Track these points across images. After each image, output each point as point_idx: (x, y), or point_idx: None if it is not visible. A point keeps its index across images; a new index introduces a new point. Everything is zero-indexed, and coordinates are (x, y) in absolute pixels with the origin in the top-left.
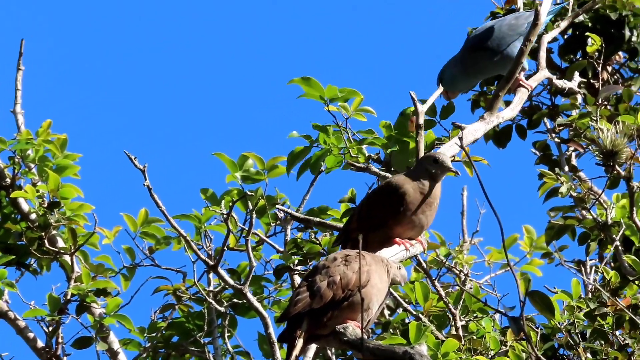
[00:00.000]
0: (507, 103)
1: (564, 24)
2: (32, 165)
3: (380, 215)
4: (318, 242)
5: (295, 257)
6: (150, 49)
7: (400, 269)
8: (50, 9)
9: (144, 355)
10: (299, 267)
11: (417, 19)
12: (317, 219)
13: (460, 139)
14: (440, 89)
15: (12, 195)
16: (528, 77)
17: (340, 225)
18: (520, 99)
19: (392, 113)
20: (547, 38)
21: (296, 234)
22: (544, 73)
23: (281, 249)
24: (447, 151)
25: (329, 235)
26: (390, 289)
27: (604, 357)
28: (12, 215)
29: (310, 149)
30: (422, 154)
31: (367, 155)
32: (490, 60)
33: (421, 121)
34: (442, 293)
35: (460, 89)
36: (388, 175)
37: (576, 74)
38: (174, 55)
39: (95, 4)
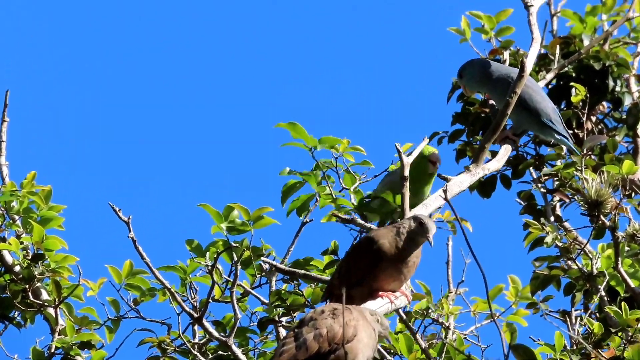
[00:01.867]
0: (493, 153)
1: (549, 76)
2: (17, 217)
3: (359, 269)
4: (302, 293)
5: (279, 309)
6: (132, 100)
7: (378, 320)
8: (35, 58)
9: None
10: (283, 319)
11: (400, 67)
12: (302, 271)
13: (445, 191)
14: (460, 87)
15: None
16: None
17: (326, 277)
18: (506, 150)
19: (377, 160)
20: None
21: (281, 286)
22: None
23: (266, 301)
24: (433, 203)
25: (313, 287)
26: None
27: None
28: None
29: (304, 184)
30: (407, 205)
31: (362, 197)
32: (504, 97)
33: (406, 173)
34: (424, 345)
35: (477, 91)
36: (374, 227)
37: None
38: (158, 105)
39: (74, 60)
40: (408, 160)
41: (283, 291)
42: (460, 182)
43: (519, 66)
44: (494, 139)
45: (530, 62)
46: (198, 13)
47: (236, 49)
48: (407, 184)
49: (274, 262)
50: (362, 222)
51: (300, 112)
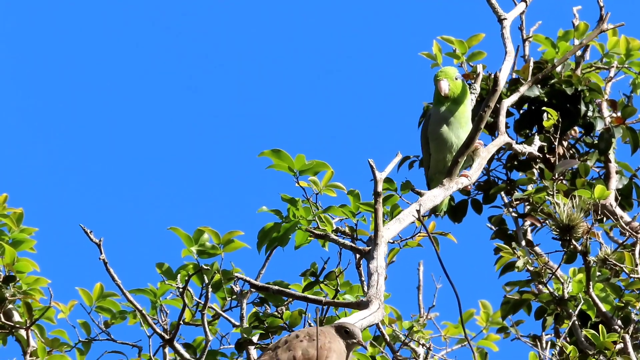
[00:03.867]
0: None
1: (514, 97)
2: None
3: None
4: (279, 315)
5: (256, 330)
6: (104, 122)
7: (348, 332)
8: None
9: None
10: (259, 342)
11: (372, 92)
12: (276, 287)
13: (418, 210)
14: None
15: None
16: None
17: (300, 293)
18: (479, 164)
19: (360, 182)
20: (506, 103)
21: (251, 309)
22: (503, 138)
23: (237, 323)
24: (406, 218)
25: (290, 310)
26: None
27: None
28: None
29: (280, 225)
30: (380, 222)
31: (334, 227)
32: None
33: (380, 189)
34: None
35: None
36: (349, 244)
37: (536, 138)
38: (131, 127)
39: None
40: (381, 176)
41: (260, 314)
42: (434, 197)
43: (493, 80)
44: (467, 153)
45: (503, 76)
46: (167, 42)
47: (206, 77)
48: (381, 199)
49: (247, 278)
50: (335, 237)
51: (271, 134)
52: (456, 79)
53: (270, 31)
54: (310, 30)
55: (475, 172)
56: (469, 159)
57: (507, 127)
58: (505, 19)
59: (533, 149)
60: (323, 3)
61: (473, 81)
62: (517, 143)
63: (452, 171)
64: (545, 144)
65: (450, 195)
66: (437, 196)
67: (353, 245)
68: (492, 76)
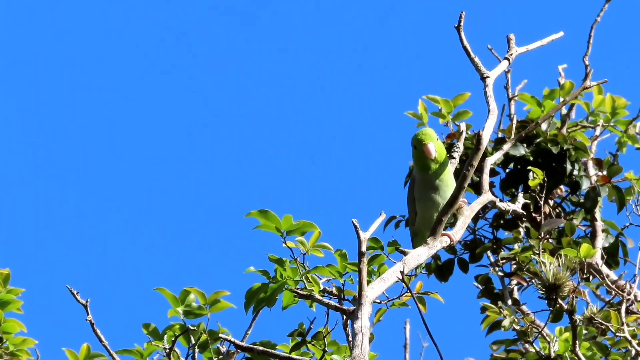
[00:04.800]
0: None
1: (498, 155)
2: None
3: None
4: None
5: None
6: (93, 181)
7: None
8: None
9: None
10: None
11: (357, 151)
12: (261, 348)
13: (402, 271)
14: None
15: None
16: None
17: (284, 354)
18: (463, 222)
19: (347, 241)
20: (490, 161)
21: None
22: (487, 196)
23: None
24: (390, 277)
25: None
26: None
27: None
28: None
29: (268, 285)
30: (364, 282)
31: (322, 287)
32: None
33: (364, 249)
34: None
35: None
36: (334, 304)
37: (520, 195)
38: (118, 187)
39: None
40: (365, 236)
41: None
42: (417, 256)
43: (476, 139)
44: (451, 212)
45: (486, 135)
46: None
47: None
48: (365, 259)
49: (233, 339)
50: (320, 298)
51: (257, 195)
52: (437, 139)
53: (254, 83)
54: (297, 93)
55: (459, 231)
56: (452, 217)
57: (492, 186)
58: (488, 77)
59: (517, 206)
60: (315, 62)
61: (457, 140)
62: (501, 201)
63: (436, 230)
64: (530, 202)
65: (436, 254)
66: (420, 255)
67: (338, 305)
68: (476, 135)
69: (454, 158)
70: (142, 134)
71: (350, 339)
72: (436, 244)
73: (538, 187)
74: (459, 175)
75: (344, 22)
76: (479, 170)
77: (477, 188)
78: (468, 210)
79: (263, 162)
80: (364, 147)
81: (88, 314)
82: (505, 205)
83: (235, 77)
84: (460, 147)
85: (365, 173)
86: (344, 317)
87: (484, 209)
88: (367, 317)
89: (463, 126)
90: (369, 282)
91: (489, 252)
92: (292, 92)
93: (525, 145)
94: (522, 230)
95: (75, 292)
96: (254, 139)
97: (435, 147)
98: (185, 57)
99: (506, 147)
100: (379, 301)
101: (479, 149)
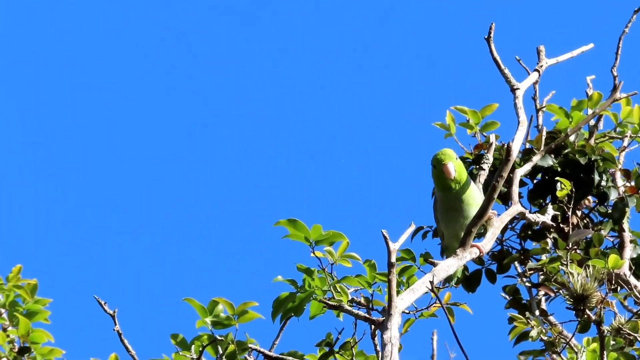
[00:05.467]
0: None
1: (527, 167)
2: (3, 311)
3: None
4: None
5: None
6: (116, 191)
7: None
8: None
9: None
10: None
11: (385, 162)
12: (290, 358)
13: (431, 282)
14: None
15: None
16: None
17: None
18: (492, 234)
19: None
20: (519, 172)
21: None
22: (516, 208)
23: None
24: (420, 288)
25: None
26: None
27: None
28: None
29: (296, 295)
30: (394, 293)
31: (350, 297)
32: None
33: (393, 259)
34: None
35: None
36: (363, 314)
37: (549, 207)
38: (146, 196)
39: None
40: (395, 247)
41: None
42: (447, 267)
43: (505, 150)
44: (480, 223)
45: (516, 146)
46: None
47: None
48: (394, 270)
49: (261, 349)
50: (349, 308)
51: (285, 204)
52: (457, 159)
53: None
54: (297, 93)
55: (488, 242)
56: (482, 228)
57: (520, 197)
58: (518, 88)
59: (547, 218)
60: (315, 62)
61: (486, 151)
62: (530, 212)
63: (465, 241)
64: (558, 213)
65: (464, 265)
66: (450, 266)
67: (367, 315)
68: (505, 146)
69: (483, 169)
70: (142, 134)
71: (378, 349)
72: (466, 255)
73: (566, 198)
74: (488, 186)
75: (344, 22)
76: (508, 182)
77: (505, 199)
78: (497, 221)
79: (265, 164)
80: (392, 158)
81: (116, 324)
82: (535, 217)
83: (235, 77)
84: (489, 158)
85: (394, 184)
86: (372, 327)
87: (512, 219)
88: (397, 328)
89: (493, 138)
90: (398, 292)
91: (516, 262)
92: (292, 92)
93: (552, 156)
94: (549, 241)
95: (103, 302)
96: (254, 139)
97: (455, 167)
98: (185, 57)
99: (535, 158)
100: (407, 312)
101: (508, 161)
